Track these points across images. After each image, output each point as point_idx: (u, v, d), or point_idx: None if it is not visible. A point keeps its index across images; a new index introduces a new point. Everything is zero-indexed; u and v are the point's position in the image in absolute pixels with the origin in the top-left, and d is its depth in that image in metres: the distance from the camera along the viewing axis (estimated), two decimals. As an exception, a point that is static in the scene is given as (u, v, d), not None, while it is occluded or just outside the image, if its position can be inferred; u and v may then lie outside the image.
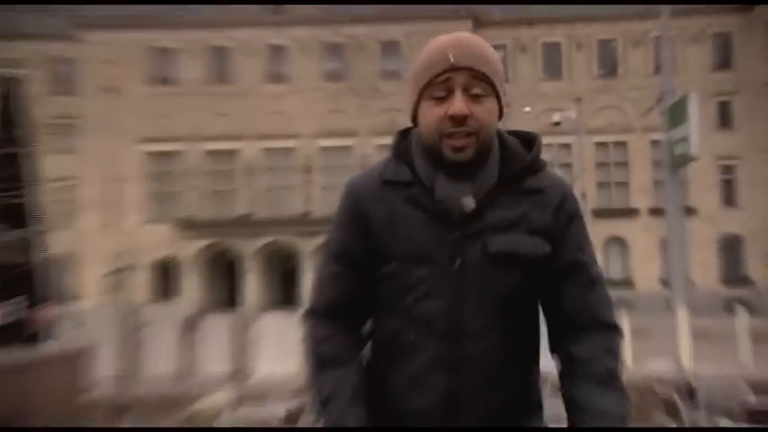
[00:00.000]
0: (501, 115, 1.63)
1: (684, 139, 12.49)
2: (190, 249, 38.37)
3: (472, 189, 1.58)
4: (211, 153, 39.80)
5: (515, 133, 1.70)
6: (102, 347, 10.87)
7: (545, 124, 36.13)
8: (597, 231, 36.60)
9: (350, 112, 40.07)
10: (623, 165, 40.49)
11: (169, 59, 40.60)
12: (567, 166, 38.46)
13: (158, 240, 38.37)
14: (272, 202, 39.74)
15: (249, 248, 38.21)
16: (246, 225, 38.26)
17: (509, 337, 1.59)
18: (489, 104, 1.57)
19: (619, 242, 39.39)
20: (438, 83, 1.55)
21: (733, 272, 39.35)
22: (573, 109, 32.11)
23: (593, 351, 1.59)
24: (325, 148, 39.80)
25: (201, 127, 39.72)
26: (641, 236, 38.97)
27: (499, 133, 1.65)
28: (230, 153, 39.83)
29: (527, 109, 36.95)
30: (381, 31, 40.28)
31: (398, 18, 39.72)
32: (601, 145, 39.78)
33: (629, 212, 39.72)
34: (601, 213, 37.82)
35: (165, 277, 39.09)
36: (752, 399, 6.45)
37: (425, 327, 1.57)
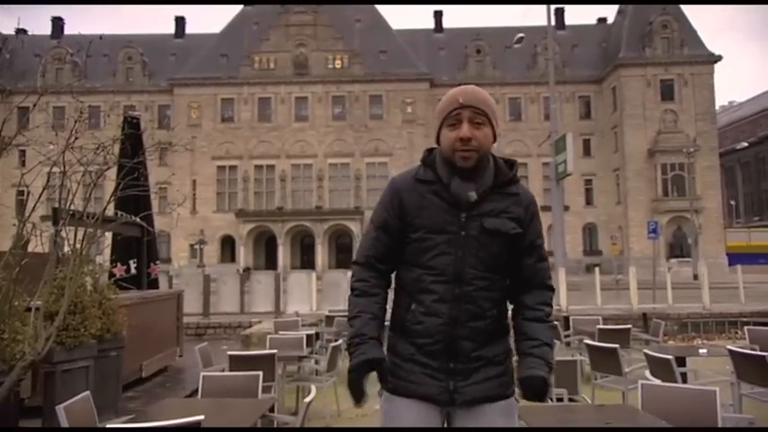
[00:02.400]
0: (494, 139, 1.71)
1: (564, 162, 13.38)
2: (243, 230, 41.01)
3: (475, 188, 1.64)
4: (257, 167, 43.03)
5: (502, 158, 1.74)
6: (188, 292, 10.71)
7: None
8: None
9: (348, 141, 42.25)
10: (524, 178, 41.90)
11: (231, 105, 43.76)
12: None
13: (223, 224, 41.49)
14: (296, 200, 42.27)
15: (281, 230, 40.77)
16: (280, 215, 40.98)
17: (491, 284, 1.65)
18: (486, 131, 1.66)
19: None
20: (452, 116, 1.65)
21: (590, 246, 42.90)
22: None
23: (538, 301, 1.69)
24: (332, 165, 42.26)
25: (251, 149, 43.12)
26: None
27: (493, 156, 1.71)
28: (270, 167, 42.88)
29: None
30: (369, 88, 43.16)
31: (380, 80, 42.78)
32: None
33: None
34: None
35: (228, 248, 41.79)
36: (601, 325, 6.94)
37: (438, 275, 1.62)
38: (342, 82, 43.15)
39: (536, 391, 1.61)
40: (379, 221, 1.75)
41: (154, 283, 8.20)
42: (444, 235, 1.66)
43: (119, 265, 7.70)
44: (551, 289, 1.76)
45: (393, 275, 1.76)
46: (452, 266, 1.65)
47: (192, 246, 41.38)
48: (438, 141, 1.75)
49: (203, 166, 42.84)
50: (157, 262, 8.51)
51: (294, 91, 43.71)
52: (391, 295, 1.78)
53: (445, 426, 1.67)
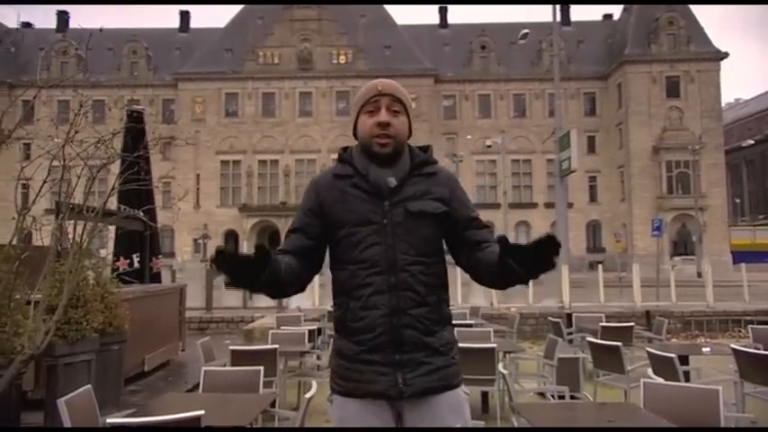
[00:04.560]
0: (410, 132, 1.73)
1: (568, 159, 13.36)
2: (247, 224, 41.34)
3: (393, 174, 1.66)
4: (261, 161, 43.17)
5: (418, 147, 1.78)
6: (191, 287, 10.48)
7: (481, 147, 41.15)
8: (511, 218, 39.64)
9: (352, 136, 44.38)
10: (528, 175, 43.59)
11: (235, 100, 43.83)
12: (493, 174, 42.94)
13: (226, 218, 41.77)
14: (300, 195, 41.57)
15: (285, 225, 39.55)
16: (283, 210, 40.89)
17: (427, 268, 1.65)
18: (403, 119, 1.69)
19: (525, 225, 42.54)
20: (370, 103, 1.68)
21: (593, 244, 42.88)
22: (498, 138, 36.24)
23: (491, 249, 1.61)
24: (335, 160, 43.91)
25: (255, 144, 43.24)
26: (539, 221, 41.88)
27: (408, 145, 1.74)
28: (273, 162, 43.00)
29: (469, 137, 41.75)
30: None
31: (385, 75, 41.35)
32: (515, 161, 42.85)
33: (532, 205, 42.75)
34: (514, 206, 41.14)
35: (231, 243, 41.43)
36: (604, 322, 6.84)
37: (371, 267, 1.61)
38: (346, 77, 43.18)
39: (545, 247, 1.43)
40: (297, 223, 1.74)
41: (156, 278, 8.25)
42: (370, 226, 1.65)
43: (121, 259, 7.75)
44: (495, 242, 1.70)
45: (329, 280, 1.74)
46: (384, 256, 1.63)
47: (195, 240, 41.74)
48: (355, 133, 1.76)
49: (207, 160, 43.13)
50: (160, 256, 8.56)
51: (298, 86, 43.87)
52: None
53: (399, 425, 1.64)
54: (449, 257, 1.77)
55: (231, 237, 42.61)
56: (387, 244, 1.64)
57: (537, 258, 1.44)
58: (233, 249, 1.45)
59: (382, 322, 1.61)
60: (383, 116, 1.68)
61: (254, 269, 1.45)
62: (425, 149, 1.79)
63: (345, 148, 1.80)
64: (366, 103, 1.71)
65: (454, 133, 44.19)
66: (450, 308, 1.75)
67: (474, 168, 43.72)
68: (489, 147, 38.03)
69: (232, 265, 1.45)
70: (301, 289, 1.70)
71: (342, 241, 1.68)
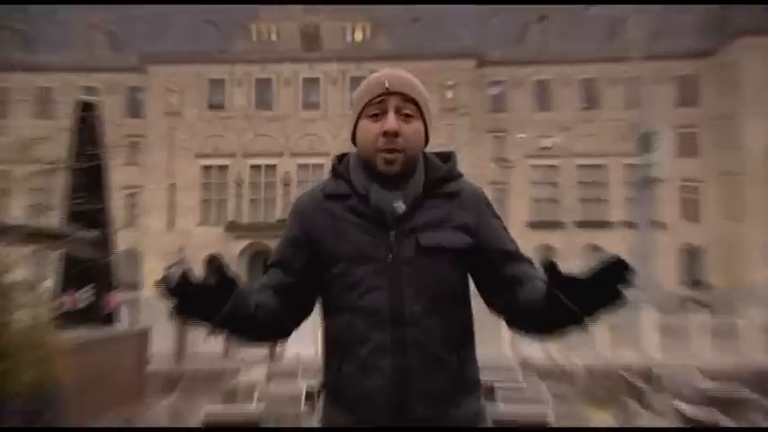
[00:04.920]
0: (427, 140, 1.78)
1: (654, 164, 13.76)
2: (235, 248, 41.89)
3: (402, 196, 1.69)
4: (254, 167, 43.72)
5: (437, 154, 1.82)
6: (160, 328, 10.62)
7: (536, 148, 41.39)
8: (577, 240, 40.13)
9: (351, 142, 44.06)
10: (602, 184, 43.13)
11: (220, 88, 44.56)
12: (553, 184, 42.87)
13: (209, 240, 42.04)
14: None
15: None
16: (281, 229, 40.33)
17: (445, 319, 1.66)
18: (417, 125, 1.72)
19: (597, 250, 41.32)
20: (375, 104, 1.70)
21: (691, 276, 41.66)
22: (560, 136, 37.45)
23: (534, 284, 1.62)
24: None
25: (246, 145, 43.83)
26: (616, 244, 39.35)
27: (423, 153, 1.78)
28: (270, 168, 43.56)
29: (521, 135, 41.65)
30: (397, 66, 45.88)
31: (412, 56, 42.45)
32: (583, 167, 42.81)
33: (606, 225, 42.02)
34: (582, 225, 41.37)
35: (214, 271, 43.68)
36: (704, 385, 6.60)
37: (371, 317, 1.63)
38: (363, 59, 43.61)
39: (614, 271, 1.40)
40: (276, 255, 1.77)
41: (112, 317, 8.26)
42: (370, 264, 1.67)
43: (68, 293, 7.79)
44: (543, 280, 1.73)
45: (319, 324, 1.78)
46: (387, 304, 1.64)
47: (168, 268, 41.54)
48: (354, 139, 1.78)
49: (185, 165, 43.80)
50: (117, 289, 8.59)
51: (302, 70, 44.46)
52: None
53: None
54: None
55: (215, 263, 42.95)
56: (392, 288, 1.65)
57: (598, 290, 1.40)
58: (190, 270, 1.51)
59: (384, 392, 1.62)
60: (391, 123, 1.69)
61: (210, 295, 1.47)
62: (447, 157, 1.82)
63: (341, 157, 1.83)
64: (369, 104, 1.73)
65: (502, 131, 44.34)
66: (490, 362, 1.82)
67: (528, 176, 43.75)
68: (548, 148, 37.74)
69: (180, 288, 1.46)
70: (282, 334, 1.74)
71: (334, 282, 1.70)
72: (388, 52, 43.72)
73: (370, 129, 1.73)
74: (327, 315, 1.74)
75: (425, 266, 1.68)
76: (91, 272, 7.92)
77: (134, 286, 42.45)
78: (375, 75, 1.79)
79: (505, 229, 1.81)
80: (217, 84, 44.87)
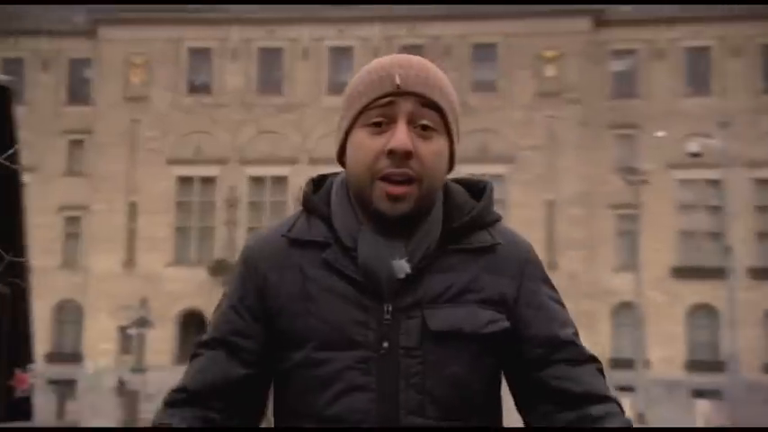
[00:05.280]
0: (452, 164, 1.80)
1: None
2: None
3: (407, 250, 1.71)
4: (255, 179, 44.46)
5: (462, 181, 1.87)
6: (101, 421, 10.75)
7: (684, 154, 39.61)
8: (752, 298, 39.37)
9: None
10: None
11: (205, 63, 45.42)
12: (715, 209, 41.98)
13: (185, 287, 42.59)
14: None
15: None
16: None
17: None
18: (439, 144, 1.73)
19: None
20: (377, 108, 1.70)
21: None
22: (717, 135, 35.65)
23: (601, 413, 1.71)
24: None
25: (244, 146, 44.52)
26: None
27: (446, 184, 1.81)
28: (278, 180, 44.20)
29: (660, 133, 40.70)
30: (473, 30, 44.26)
31: (496, 15, 43.65)
32: (760, 182, 42.45)
33: None
34: (759, 273, 40.82)
35: (193, 334, 40.66)
36: None
37: None
38: (417, 19, 44.39)
39: None
40: (222, 330, 1.78)
41: (22, 408, 8.15)
42: (352, 351, 1.68)
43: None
44: (615, 401, 1.78)
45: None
46: (374, 414, 1.66)
47: (123, 330, 42.30)
48: (341, 159, 1.79)
49: (152, 176, 44.40)
50: (31, 366, 8.52)
51: (327, 35, 45.22)
52: None
53: None
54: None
55: (193, 323, 43.07)
56: (382, 391, 1.67)
57: None
58: None
59: None
60: (401, 138, 1.68)
61: None
62: (480, 190, 1.83)
63: (319, 181, 1.86)
64: (368, 108, 1.72)
65: (632, 126, 44.38)
66: None
67: (673, 196, 43.57)
68: (697, 155, 36.93)
69: None
70: None
71: (293, 375, 1.73)
72: (456, 9, 44.25)
73: (367, 144, 1.70)
74: (279, 424, 1.79)
75: (435, 361, 1.69)
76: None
77: (70, 358, 43.61)
78: (379, 62, 1.77)
79: (562, 304, 1.82)
80: (200, 55, 45.40)
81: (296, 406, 1.74)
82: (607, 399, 1.75)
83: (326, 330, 1.69)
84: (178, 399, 1.75)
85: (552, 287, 1.84)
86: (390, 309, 1.70)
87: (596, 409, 1.70)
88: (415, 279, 1.70)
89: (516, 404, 1.82)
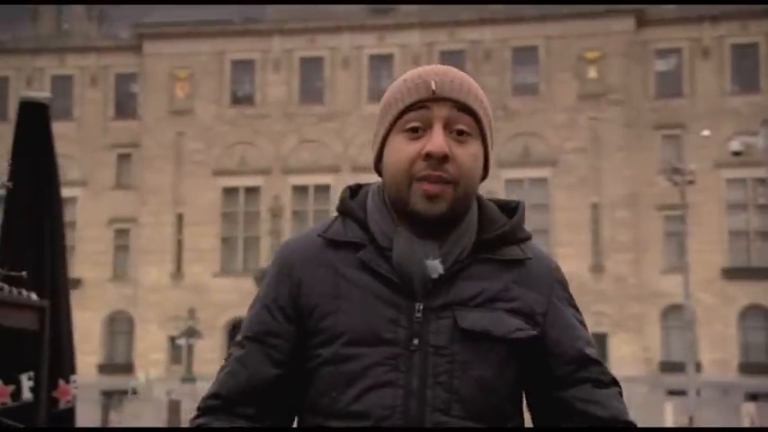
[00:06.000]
0: (486, 171, 1.84)
1: None
2: None
3: (440, 251, 1.75)
4: (298, 189, 44.80)
5: (495, 201, 1.91)
6: None
7: (730, 153, 40.76)
8: None
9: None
10: None
11: (247, 74, 45.83)
12: (765, 207, 42.39)
13: (233, 297, 42.01)
14: None
15: None
16: None
17: None
18: (474, 148, 1.78)
19: None
20: (414, 113, 1.76)
21: None
22: (763, 133, 33.62)
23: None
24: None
25: (287, 156, 44.93)
26: None
27: (477, 197, 1.85)
28: (321, 189, 44.31)
29: (705, 132, 40.29)
30: (513, 33, 44.20)
31: (536, 18, 43.65)
32: None
33: None
34: None
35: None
36: None
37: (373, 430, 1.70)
38: (458, 24, 44.30)
39: None
40: (254, 329, 1.80)
41: (65, 418, 8.20)
42: (382, 348, 1.70)
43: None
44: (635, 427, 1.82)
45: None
46: (401, 411, 1.68)
47: (173, 340, 42.91)
48: (378, 166, 1.84)
49: (197, 187, 44.93)
50: (74, 377, 8.57)
51: (367, 44, 45.46)
52: None
53: None
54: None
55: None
56: (409, 388, 1.69)
57: None
58: None
59: None
60: (438, 142, 1.72)
61: None
62: (512, 210, 1.86)
63: (356, 189, 1.90)
64: (405, 113, 1.77)
65: (678, 126, 43.93)
66: None
67: (721, 195, 43.24)
68: (739, 153, 36.30)
69: None
70: None
71: (320, 371, 1.74)
72: (495, 14, 44.23)
73: (404, 149, 1.75)
74: (309, 420, 1.79)
75: (463, 362, 1.71)
76: (32, 352, 7.92)
77: (122, 369, 44.34)
78: (416, 71, 1.83)
79: (585, 325, 1.85)
80: (243, 67, 45.77)
81: (321, 402, 1.76)
82: (627, 424, 1.78)
83: (357, 326, 1.73)
84: (212, 405, 1.78)
85: (577, 308, 1.89)
86: (422, 308, 1.73)
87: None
88: (448, 281, 1.74)
89: (530, 409, 1.85)
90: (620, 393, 1.82)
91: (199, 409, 1.82)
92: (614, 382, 1.82)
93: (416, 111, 1.76)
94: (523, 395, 1.84)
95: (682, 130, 43.54)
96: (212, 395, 1.80)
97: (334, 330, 1.73)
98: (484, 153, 1.82)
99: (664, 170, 39.87)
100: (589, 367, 1.80)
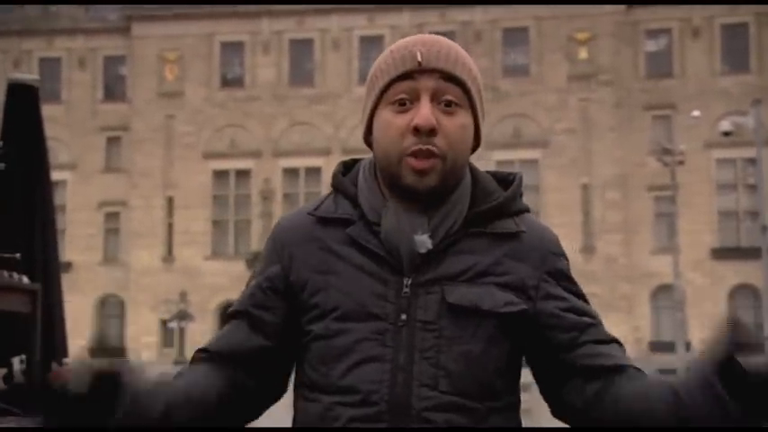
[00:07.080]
0: (478, 141, 1.83)
1: None
2: None
3: (429, 226, 1.73)
4: (289, 171, 44.83)
5: (493, 173, 1.88)
6: None
7: (720, 134, 40.98)
8: None
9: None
10: None
11: (237, 56, 45.69)
12: (754, 188, 40.14)
13: (223, 280, 42.34)
14: None
15: None
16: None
17: (472, 421, 1.71)
18: (463, 119, 1.74)
19: None
20: (400, 86, 1.73)
21: None
22: (753, 112, 33.33)
23: (641, 380, 1.70)
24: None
25: (278, 139, 44.91)
26: None
27: (472, 168, 1.84)
28: (312, 171, 44.38)
29: (695, 113, 39.25)
30: (504, 14, 44.09)
31: None
32: None
33: None
34: None
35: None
36: None
37: (360, 406, 1.68)
38: (449, 5, 44.32)
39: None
40: (246, 303, 1.81)
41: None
42: (370, 322, 1.69)
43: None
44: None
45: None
46: (388, 386, 1.67)
47: (164, 323, 43.13)
48: (368, 139, 1.82)
49: (188, 170, 44.96)
50: (67, 360, 8.57)
51: (358, 25, 45.51)
52: None
53: None
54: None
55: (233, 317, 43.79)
56: (397, 363, 1.68)
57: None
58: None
59: None
60: (425, 114, 1.69)
61: (88, 408, 1.51)
62: (509, 180, 1.84)
63: (350, 164, 1.89)
64: (391, 86, 1.74)
65: (668, 106, 44.05)
66: None
67: (711, 177, 43.41)
68: (728, 134, 36.28)
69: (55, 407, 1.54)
70: (239, 421, 1.80)
71: (313, 345, 1.74)
72: (487, -6, 44.25)
73: (392, 122, 1.71)
74: (300, 395, 1.78)
75: (451, 337, 1.69)
76: (24, 335, 7.92)
77: (112, 352, 44.18)
78: (403, 41, 1.78)
79: (584, 296, 1.81)
80: (232, 49, 45.74)
81: (312, 376, 1.76)
82: (636, 369, 1.76)
83: (345, 302, 1.72)
84: (201, 357, 1.78)
85: (574, 282, 1.85)
86: (409, 283, 1.72)
87: (638, 378, 1.72)
88: (437, 256, 1.73)
89: (541, 391, 1.83)
90: (624, 351, 1.80)
91: (190, 361, 1.82)
92: (615, 341, 1.80)
93: (403, 82, 1.72)
94: (520, 371, 1.82)
95: (672, 110, 43.72)
96: (201, 349, 1.80)
97: (324, 306, 1.73)
98: (474, 123, 1.79)
99: (654, 151, 39.92)
100: (588, 330, 1.77)
